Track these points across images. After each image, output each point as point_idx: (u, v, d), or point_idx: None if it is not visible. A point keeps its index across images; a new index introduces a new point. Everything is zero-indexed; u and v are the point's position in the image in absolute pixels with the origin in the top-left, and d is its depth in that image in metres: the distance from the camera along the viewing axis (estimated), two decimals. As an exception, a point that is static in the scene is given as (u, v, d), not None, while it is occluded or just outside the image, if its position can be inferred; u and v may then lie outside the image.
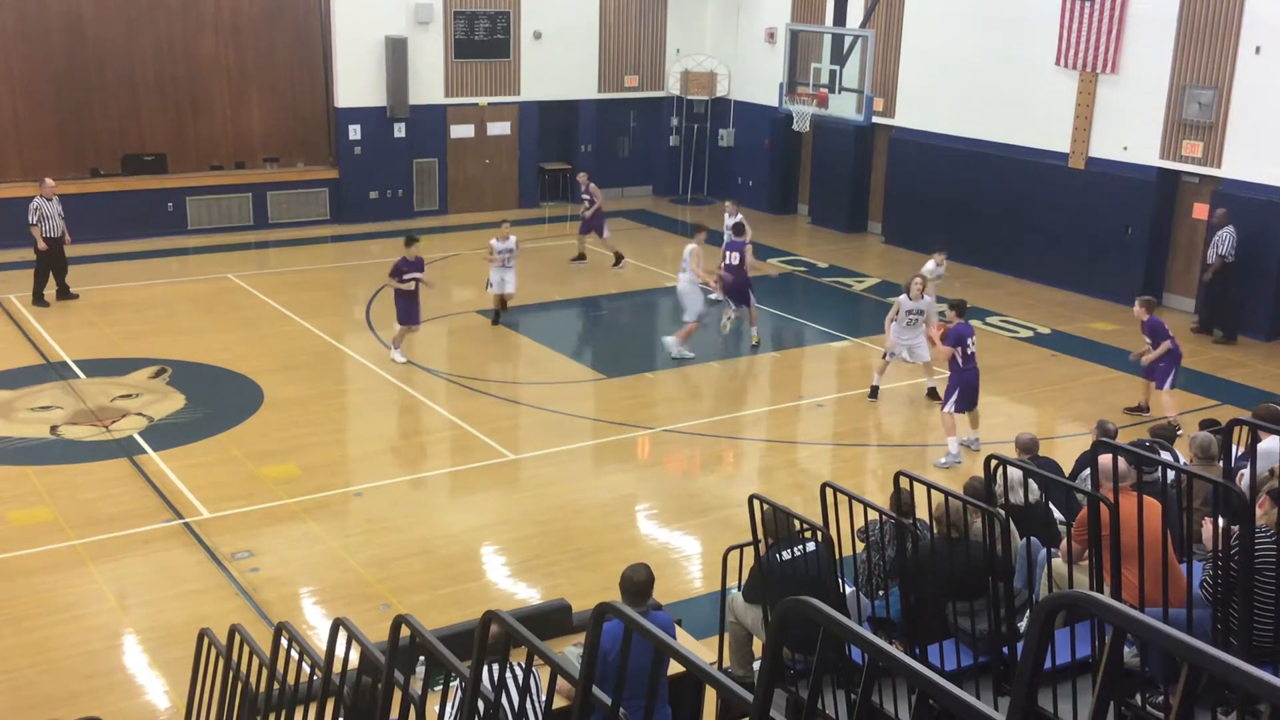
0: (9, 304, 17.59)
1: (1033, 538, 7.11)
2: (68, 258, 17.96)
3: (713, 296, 16.84)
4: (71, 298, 17.88)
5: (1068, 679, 5.45)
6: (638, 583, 6.46)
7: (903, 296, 14.32)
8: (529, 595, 10.01)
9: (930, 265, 16.12)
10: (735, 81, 25.26)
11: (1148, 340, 13.61)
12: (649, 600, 6.77)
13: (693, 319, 16.03)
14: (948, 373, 13.14)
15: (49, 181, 17.91)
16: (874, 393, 14.61)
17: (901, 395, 15.12)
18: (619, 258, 20.35)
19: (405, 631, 4.30)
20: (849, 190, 23.54)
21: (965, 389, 12.78)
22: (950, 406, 12.81)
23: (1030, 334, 17.40)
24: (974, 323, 17.74)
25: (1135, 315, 13.79)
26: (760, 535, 7.10)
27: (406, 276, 15.16)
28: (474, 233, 22.30)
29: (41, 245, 17.46)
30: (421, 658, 5.28)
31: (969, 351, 12.77)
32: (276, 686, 5.60)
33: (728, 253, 16.40)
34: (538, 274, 19.82)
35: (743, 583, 7.57)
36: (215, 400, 14.12)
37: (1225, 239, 17.01)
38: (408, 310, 15.34)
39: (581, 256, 20.73)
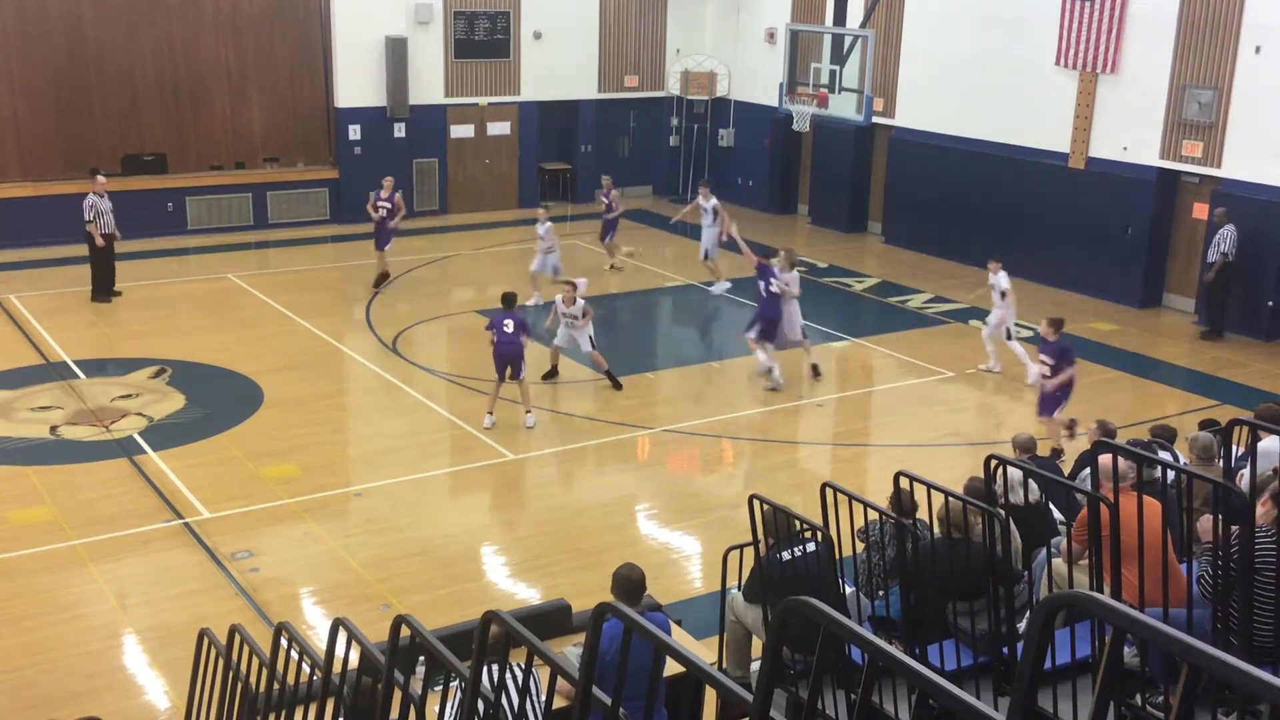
0: (9, 304, 17.59)
1: (1056, 538, 7.13)
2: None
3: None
4: (117, 295, 17.95)
5: (1068, 679, 5.45)
6: (634, 581, 6.45)
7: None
8: (529, 595, 10.01)
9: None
10: (735, 81, 25.26)
11: (1046, 362, 12.58)
12: (644, 600, 6.78)
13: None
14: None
15: (101, 178, 17.95)
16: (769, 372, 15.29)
17: (900, 395, 15.13)
18: (382, 278, 19.03)
19: (405, 631, 4.30)
20: (849, 190, 23.54)
21: (760, 320, 15.01)
22: (752, 334, 15.06)
23: (1030, 334, 17.39)
24: (974, 323, 17.82)
25: (1042, 334, 12.92)
26: (760, 535, 7.10)
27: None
28: (474, 233, 22.33)
29: (100, 241, 17.52)
30: (421, 658, 5.29)
31: (771, 289, 14.83)
32: (276, 686, 5.60)
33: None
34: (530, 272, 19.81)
35: (743, 583, 7.57)
36: (215, 400, 14.12)
37: (1226, 237, 17.04)
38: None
39: (384, 276, 19.10)
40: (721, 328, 17.97)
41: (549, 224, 18.10)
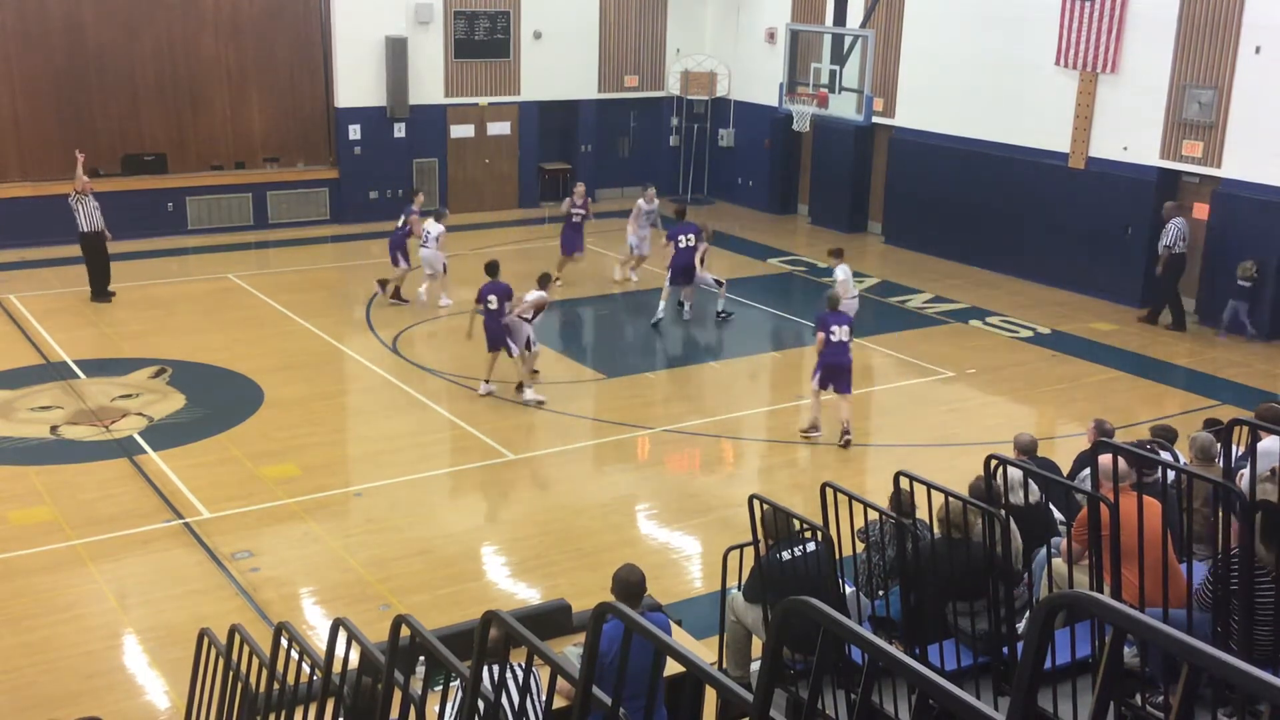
0: (9, 304, 17.59)
1: (1056, 538, 7.13)
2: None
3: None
4: (112, 295, 17.88)
5: (1068, 679, 5.45)
6: (634, 583, 6.46)
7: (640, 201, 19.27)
8: (529, 595, 10.01)
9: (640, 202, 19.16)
10: (735, 81, 25.25)
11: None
12: (644, 601, 6.78)
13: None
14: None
15: (84, 179, 17.72)
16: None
17: (900, 395, 15.12)
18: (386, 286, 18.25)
19: (405, 631, 4.30)
20: (849, 190, 23.53)
21: (673, 269, 17.33)
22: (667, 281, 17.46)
23: (1030, 334, 17.41)
24: (974, 323, 17.83)
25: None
26: (760, 535, 7.10)
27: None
28: (474, 233, 22.31)
29: (83, 227, 17.49)
30: (421, 658, 5.29)
31: (679, 244, 17.20)
32: (276, 686, 5.60)
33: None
34: (537, 274, 19.79)
35: (743, 583, 7.57)
36: (215, 400, 14.12)
37: (1171, 230, 17.45)
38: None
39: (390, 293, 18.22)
40: (722, 328, 17.95)
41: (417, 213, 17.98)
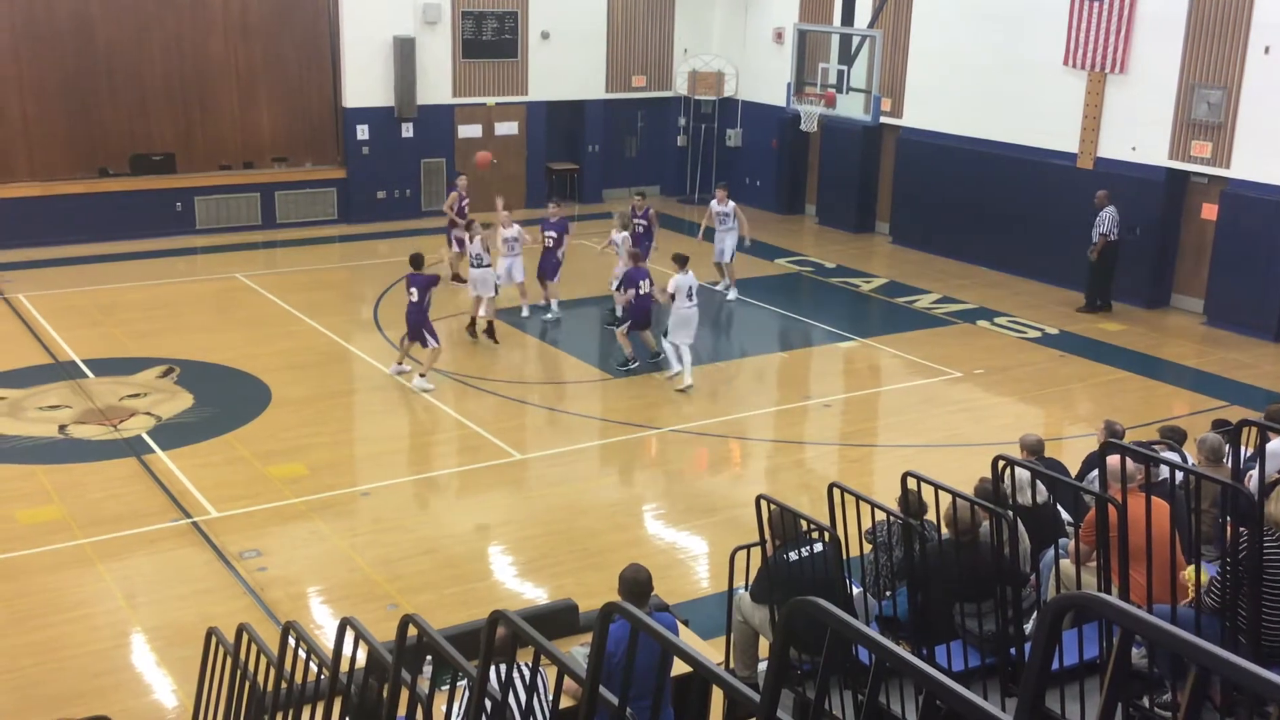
0: (18, 303, 17.64)
1: (1064, 539, 7.12)
2: None
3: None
4: None
5: (1075, 680, 5.44)
6: (641, 583, 6.46)
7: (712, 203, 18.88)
8: (535, 595, 10.02)
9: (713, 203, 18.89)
10: (743, 81, 25.24)
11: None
12: (651, 601, 6.77)
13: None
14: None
15: None
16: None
17: (908, 395, 15.10)
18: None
19: (412, 631, 4.30)
20: (856, 190, 23.51)
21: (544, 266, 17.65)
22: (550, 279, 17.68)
23: (1038, 334, 17.37)
24: (982, 323, 17.80)
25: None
26: (767, 535, 7.09)
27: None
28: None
29: None
30: (429, 657, 5.29)
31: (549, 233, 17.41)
32: (284, 686, 5.61)
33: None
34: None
35: (750, 583, 7.57)
36: (223, 400, 14.14)
37: (1106, 219, 18.00)
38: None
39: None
40: (727, 328, 17.96)
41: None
